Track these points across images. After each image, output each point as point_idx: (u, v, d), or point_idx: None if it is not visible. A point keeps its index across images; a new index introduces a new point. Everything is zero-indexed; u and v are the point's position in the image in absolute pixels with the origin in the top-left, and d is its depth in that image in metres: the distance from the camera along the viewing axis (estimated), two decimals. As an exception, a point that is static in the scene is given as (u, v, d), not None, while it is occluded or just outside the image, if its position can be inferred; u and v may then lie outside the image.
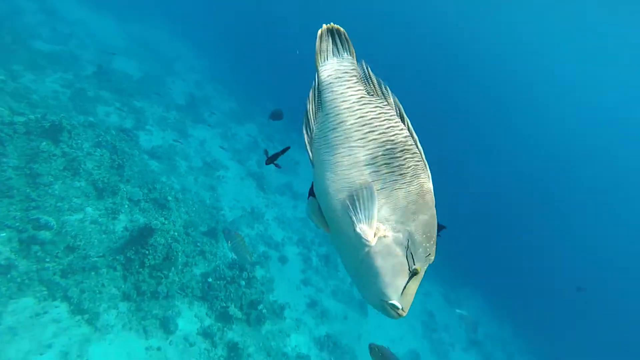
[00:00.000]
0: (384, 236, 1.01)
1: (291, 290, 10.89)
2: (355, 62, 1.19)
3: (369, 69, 1.18)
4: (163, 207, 8.83)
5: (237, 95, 23.99)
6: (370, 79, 1.17)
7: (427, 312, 15.62)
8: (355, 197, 1.01)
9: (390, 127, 1.09)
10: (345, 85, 1.14)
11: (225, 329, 7.58)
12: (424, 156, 1.10)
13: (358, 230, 0.99)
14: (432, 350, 13.32)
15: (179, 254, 7.72)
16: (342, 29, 1.17)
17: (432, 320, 15.07)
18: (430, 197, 1.07)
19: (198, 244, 9.08)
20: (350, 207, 1.01)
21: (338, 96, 1.13)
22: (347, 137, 1.08)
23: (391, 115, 1.12)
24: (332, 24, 1.18)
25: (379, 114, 1.11)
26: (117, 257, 6.60)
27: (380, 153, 1.05)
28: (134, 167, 9.54)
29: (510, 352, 17.76)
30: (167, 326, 6.78)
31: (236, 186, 14.50)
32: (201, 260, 8.76)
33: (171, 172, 11.66)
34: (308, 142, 1.17)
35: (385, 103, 1.14)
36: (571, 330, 23.16)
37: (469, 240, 24.88)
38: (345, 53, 1.19)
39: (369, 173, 1.05)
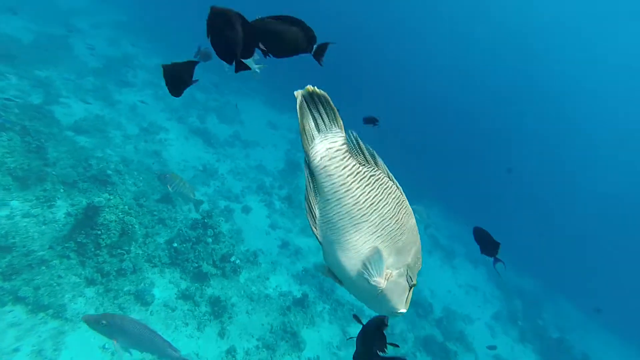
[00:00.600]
0: (391, 276, 1.25)
1: (261, 237, 11.04)
2: (343, 133, 1.15)
3: (359, 139, 1.19)
4: (105, 183, 8.16)
5: (162, 49, 21.55)
6: (361, 150, 1.20)
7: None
8: (367, 263, 1.18)
9: (385, 191, 1.19)
10: (340, 166, 1.13)
11: (203, 287, 7.64)
12: (406, 199, 1.25)
13: (373, 283, 1.20)
14: (401, 260, 14.56)
15: (136, 226, 7.35)
16: (322, 93, 1.08)
17: (398, 234, 16.31)
18: (416, 230, 1.30)
19: (155, 212, 8.68)
20: (365, 272, 1.19)
21: (335, 180, 1.14)
22: (351, 218, 1.16)
23: (383, 180, 1.19)
24: (308, 87, 1.08)
25: (374, 183, 1.17)
26: (67, 245, 6.14)
27: (381, 220, 1.17)
28: (59, 147, 8.53)
29: (469, 245, 19.95)
30: (143, 299, 6.68)
31: (182, 146, 13.67)
32: (162, 228, 8.46)
33: (106, 145, 10.62)
34: (313, 227, 1.24)
35: (376, 169, 1.20)
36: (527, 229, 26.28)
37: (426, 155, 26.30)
38: (333, 126, 1.13)
39: (375, 239, 1.18)
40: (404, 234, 1.23)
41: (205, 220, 8.34)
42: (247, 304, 8.06)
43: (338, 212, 1.17)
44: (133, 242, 7.15)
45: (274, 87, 25.40)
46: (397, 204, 1.21)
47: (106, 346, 5.71)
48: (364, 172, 1.17)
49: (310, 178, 1.21)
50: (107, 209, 6.51)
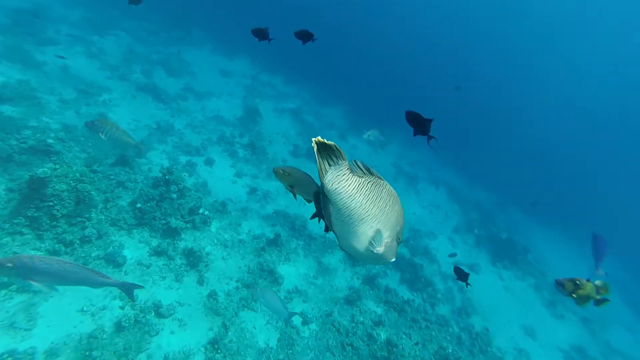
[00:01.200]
0: (388, 243, 1.80)
1: (227, 186, 11.09)
2: (346, 162, 1.63)
3: (357, 161, 1.70)
4: (48, 153, 7.68)
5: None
6: (359, 166, 1.67)
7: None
8: (372, 241, 1.74)
9: (379, 188, 1.69)
10: (345, 183, 1.60)
11: (175, 241, 7.77)
12: (392, 188, 1.80)
13: (376, 252, 1.77)
14: (368, 190, 15.22)
15: (93, 193, 7.15)
16: (330, 143, 1.56)
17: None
18: (400, 206, 1.83)
19: (112, 177, 8.42)
20: (370, 247, 1.75)
21: (343, 195, 1.61)
22: (358, 216, 1.66)
23: (377, 181, 1.69)
24: (318, 138, 1.53)
25: (371, 186, 1.66)
26: (17, 222, 5.94)
27: (379, 210, 1.68)
28: (-20, 122, 7.80)
29: (430, 169, 21.02)
30: (114, 261, 6.74)
31: (130, 106, 12.81)
32: (122, 191, 8.27)
33: (39, 113, 9.77)
34: (331, 227, 1.79)
35: (371, 175, 1.68)
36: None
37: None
38: (339, 159, 1.58)
39: (376, 224, 1.70)
40: (394, 213, 1.76)
41: (167, 177, 8.20)
42: (221, 250, 8.35)
43: (348, 215, 1.67)
44: (92, 209, 7.01)
45: (219, 35, 23.61)
46: (388, 194, 1.72)
47: (84, 309, 5.87)
48: (363, 181, 1.64)
49: (323, 198, 1.72)
50: (55, 179, 6.23)
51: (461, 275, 5.64)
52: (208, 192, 10.16)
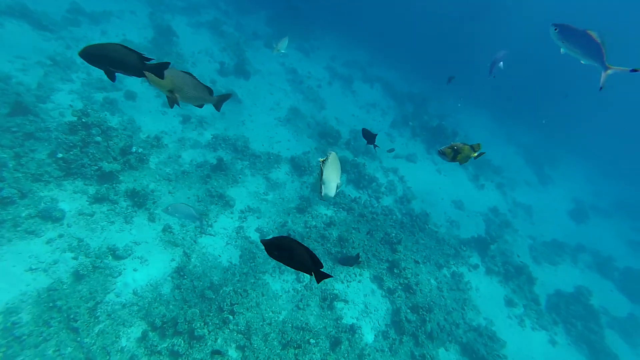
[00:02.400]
0: (337, 187, 3.76)
1: (158, 118, 10.38)
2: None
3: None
4: None
5: None
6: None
7: (290, 70, 16.59)
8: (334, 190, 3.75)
9: (335, 160, 3.81)
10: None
11: (114, 185, 7.49)
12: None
13: (331, 194, 3.72)
14: (306, 99, 15.08)
15: (-1, 150, 6.42)
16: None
17: (297, 75, 16.29)
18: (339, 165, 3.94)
19: (13, 129, 7.45)
20: (330, 192, 3.72)
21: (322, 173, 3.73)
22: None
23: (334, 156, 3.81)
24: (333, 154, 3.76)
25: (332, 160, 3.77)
26: None
27: (337, 172, 3.78)
28: None
29: (364, 68, 20.89)
30: (51, 216, 6.46)
31: (2, 38, 10.59)
32: (35, 143, 7.46)
33: None
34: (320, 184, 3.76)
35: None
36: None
37: None
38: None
39: (335, 178, 3.73)
40: (339, 170, 3.73)
41: (84, 120, 7.45)
42: (166, 185, 8.25)
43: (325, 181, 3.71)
44: (2, 168, 6.37)
45: None
46: (338, 164, 3.77)
47: (32, 267, 5.80)
48: (332, 159, 3.74)
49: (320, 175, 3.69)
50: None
51: (369, 137, 6.19)
52: (138, 129, 9.50)
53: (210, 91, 3.36)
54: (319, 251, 8.45)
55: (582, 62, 3.77)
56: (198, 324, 6.02)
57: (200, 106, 3.43)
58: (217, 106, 3.64)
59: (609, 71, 3.57)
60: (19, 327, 5.16)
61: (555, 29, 3.77)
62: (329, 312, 7.44)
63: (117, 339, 5.76)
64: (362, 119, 15.90)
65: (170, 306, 6.32)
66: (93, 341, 5.58)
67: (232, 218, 8.50)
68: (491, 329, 9.23)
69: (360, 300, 8.08)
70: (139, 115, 10.16)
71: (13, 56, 10.02)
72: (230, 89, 12.90)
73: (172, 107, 3.18)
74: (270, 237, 8.51)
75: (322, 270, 2.47)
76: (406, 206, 12.16)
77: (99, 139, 7.50)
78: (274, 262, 7.91)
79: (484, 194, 15.41)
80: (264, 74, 15.09)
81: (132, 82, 11.33)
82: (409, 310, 8.06)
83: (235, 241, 8.00)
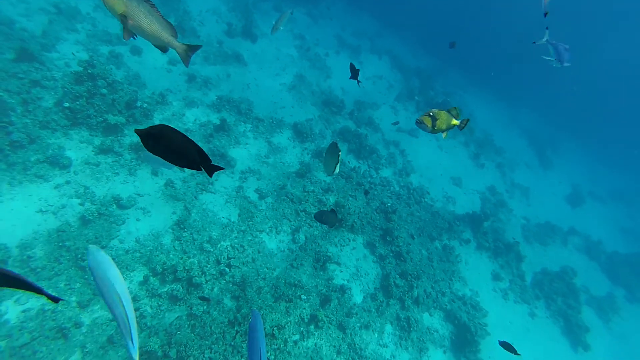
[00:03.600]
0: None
1: (163, 76, 10.37)
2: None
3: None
4: None
5: None
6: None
7: (298, 36, 16.27)
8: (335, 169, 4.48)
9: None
10: None
11: (118, 137, 7.65)
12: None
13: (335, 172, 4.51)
14: (312, 67, 14.90)
15: (3, 94, 6.54)
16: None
17: (304, 41, 15.99)
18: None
19: (20, 75, 7.53)
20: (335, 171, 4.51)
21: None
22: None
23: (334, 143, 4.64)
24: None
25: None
26: None
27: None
28: None
29: (373, 39, 20.43)
30: (59, 163, 6.68)
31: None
32: (41, 90, 7.56)
33: None
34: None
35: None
36: None
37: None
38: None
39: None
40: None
41: (90, 71, 7.51)
42: (169, 142, 8.40)
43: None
44: (10, 112, 6.52)
45: None
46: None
47: (43, 209, 6.08)
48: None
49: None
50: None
51: (353, 72, 6.26)
52: (143, 85, 9.53)
53: (173, 32, 2.97)
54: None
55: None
56: (196, 272, 6.38)
57: (163, 50, 3.01)
58: (184, 57, 3.11)
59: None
60: (33, 261, 5.51)
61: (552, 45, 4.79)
62: (321, 273, 7.81)
63: (120, 282, 6.12)
64: (367, 90, 15.76)
65: (171, 255, 6.65)
66: (98, 281, 5.94)
67: (232, 178, 8.71)
68: (475, 299, 9.67)
69: (352, 264, 8.44)
70: (144, 71, 10.16)
71: (23, 9, 9.90)
72: (237, 51, 12.74)
73: (126, 38, 2.80)
74: (269, 197, 8.77)
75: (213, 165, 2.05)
76: (404, 179, 12.34)
77: (104, 91, 7.58)
78: (271, 222, 8.21)
79: (483, 173, 15.55)
80: (271, 38, 14.82)
81: (138, 38, 11.21)
82: (397, 276, 8.44)
83: (235, 200, 8.25)
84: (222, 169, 2.20)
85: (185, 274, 6.32)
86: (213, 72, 11.56)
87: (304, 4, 18.57)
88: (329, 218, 5.70)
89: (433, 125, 3.71)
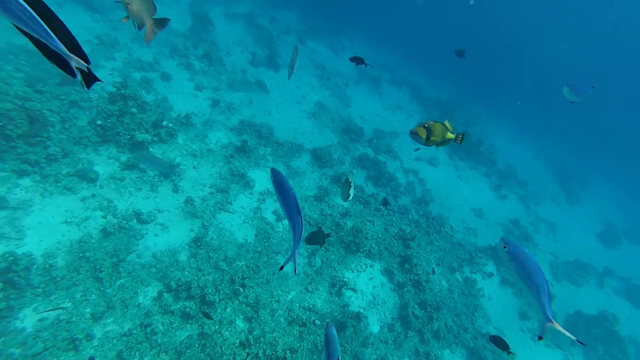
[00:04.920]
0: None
1: (189, 100, 10.85)
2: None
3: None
4: (-17, 74, 7.15)
5: None
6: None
7: (319, 66, 16.87)
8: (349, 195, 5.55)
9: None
10: None
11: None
12: None
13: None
14: (332, 95, 15.28)
15: (46, 113, 6.96)
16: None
17: (325, 71, 16.53)
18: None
19: (62, 96, 8.02)
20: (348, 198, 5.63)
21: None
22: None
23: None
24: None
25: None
26: (-25, 142, 5.85)
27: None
28: None
29: (393, 70, 20.93)
30: (87, 177, 6.93)
31: (62, 19, 11.45)
32: (77, 110, 8.01)
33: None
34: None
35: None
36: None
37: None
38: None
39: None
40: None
41: (122, 92, 7.94)
42: (191, 160, 8.63)
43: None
44: (50, 128, 6.90)
45: None
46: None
47: (68, 220, 6.25)
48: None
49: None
50: None
51: (355, 60, 6.75)
52: (170, 108, 9.98)
53: (154, 13, 3.64)
54: (332, 238, 8.58)
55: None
56: (210, 290, 6.28)
57: (139, 27, 3.57)
58: (148, 31, 3.65)
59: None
60: (54, 270, 5.60)
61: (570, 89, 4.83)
62: (336, 298, 7.55)
63: (135, 295, 6.10)
64: (386, 119, 15.93)
65: (186, 272, 6.62)
66: (114, 292, 5.94)
67: (251, 198, 8.77)
68: (500, 337, 9.03)
69: (369, 291, 8.14)
70: (171, 95, 10.67)
71: (67, 36, 10.74)
72: (260, 79, 13.27)
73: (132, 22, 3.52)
74: (286, 220, 8.73)
75: None
76: (423, 208, 12.08)
77: (134, 110, 7.96)
78: (287, 244, 8.11)
79: (505, 205, 15.07)
80: (299, 56, 15.42)
81: (168, 65, 11.92)
82: (416, 306, 8.05)
83: (252, 220, 8.25)
84: (98, 79, 1.91)
85: (199, 291, 6.24)
86: (236, 98, 12.01)
87: (324, 37, 19.41)
88: (318, 237, 5.67)
89: (428, 137, 3.53)
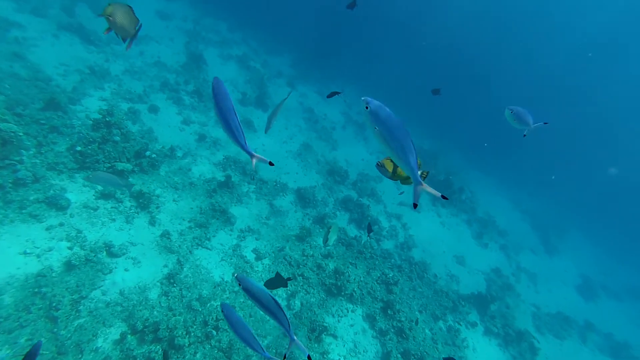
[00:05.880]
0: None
1: (175, 133, 10.78)
2: None
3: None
4: (-38, 93, 6.94)
5: None
6: None
7: (307, 109, 17.32)
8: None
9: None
10: None
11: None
12: None
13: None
14: (319, 138, 15.55)
15: (22, 136, 6.71)
16: None
17: (313, 114, 16.96)
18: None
19: (42, 121, 7.81)
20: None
21: None
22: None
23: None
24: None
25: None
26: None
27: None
28: None
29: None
30: (57, 204, 6.55)
31: (53, 46, 11.54)
32: (57, 136, 7.77)
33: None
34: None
35: None
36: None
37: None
38: None
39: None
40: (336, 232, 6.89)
41: (107, 119, 7.82)
42: (172, 193, 8.36)
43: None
44: (23, 152, 6.61)
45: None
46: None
47: (27, 251, 5.77)
48: None
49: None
50: (-24, 117, 5.74)
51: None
52: (154, 139, 9.85)
53: (137, 25, 3.88)
54: (313, 280, 8.23)
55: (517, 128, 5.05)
56: (180, 332, 5.77)
57: (123, 40, 3.80)
58: (124, 36, 3.86)
59: (533, 127, 4.97)
60: (-2, 307, 5.03)
61: (511, 112, 4.91)
62: (316, 345, 7.07)
63: (94, 338, 5.52)
64: (371, 163, 16.19)
65: (155, 311, 6.10)
66: (69, 335, 5.35)
67: (231, 235, 8.45)
68: (486, 393, 8.57)
69: (350, 337, 7.68)
70: (158, 127, 10.60)
71: (59, 63, 10.80)
72: (248, 118, 13.44)
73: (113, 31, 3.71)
74: (266, 259, 8.37)
75: None
76: (406, 253, 11.93)
77: (117, 138, 7.79)
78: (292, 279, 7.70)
79: (487, 254, 15.08)
80: (281, 109, 15.76)
81: (158, 98, 11.98)
82: (399, 355, 7.61)
83: (231, 258, 7.88)
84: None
85: (167, 333, 5.71)
86: (223, 134, 12.02)
87: (314, 83, 20.19)
88: (277, 283, 5.39)
89: (394, 172, 3.44)
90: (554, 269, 18.44)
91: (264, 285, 5.30)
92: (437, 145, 22.41)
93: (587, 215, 29.44)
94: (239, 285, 3.11)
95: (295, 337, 3.12)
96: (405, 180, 3.49)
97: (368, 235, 6.83)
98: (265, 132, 5.96)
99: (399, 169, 3.36)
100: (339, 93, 6.84)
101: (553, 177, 26.60)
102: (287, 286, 5.45)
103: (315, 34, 27.45)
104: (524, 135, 5.20)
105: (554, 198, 27.77)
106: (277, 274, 5.35)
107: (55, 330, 5.29)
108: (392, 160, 3.33)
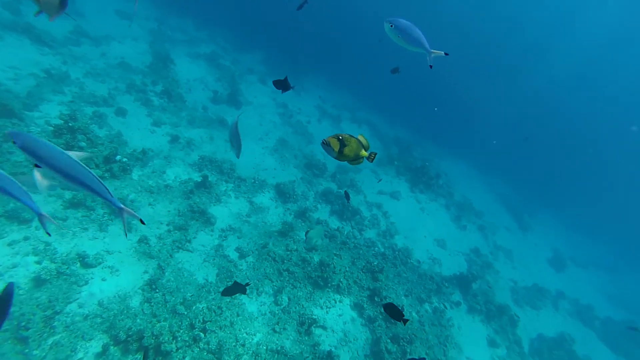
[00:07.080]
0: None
1: (146, 136, 10.38)
2: None
3: None
4: None
5: None
6: None
7: (281, 104, 17.15)
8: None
9: None
10: None
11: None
12: None
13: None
14: (295, 132, 15.44)
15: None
16: None
17: (287, 109, 16.81)
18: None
19: (-3, 130, 7.32)
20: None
21: None
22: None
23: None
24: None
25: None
26: None
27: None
28: None
29: (353, 110, 21.83)
30: (19, 217, 6.16)
31: (1, 50, 10.79)
32: (13, 146, 7.29)
33: None
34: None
35: None
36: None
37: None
38: None
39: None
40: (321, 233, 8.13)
41: (70, 124, 7.41)
42: (147, 197, 8.05)
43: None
44: (-19, 163, 6.16)
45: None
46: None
47: (-4, 263, 5.40)
48: None
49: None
50: None
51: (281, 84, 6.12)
52: (124, 143, 9.43)
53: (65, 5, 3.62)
54: (298, 274, 8.19)
55: (409, 49, 4.23)
56: (166, 338, 5.59)
57: (52, 18, 3.59)
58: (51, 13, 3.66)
59: (432, 54, 4.22)
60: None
61: (391, 25, 4.05)
62: (306, 338, 7.05)
63: (73, 353, 5.25)
64: (348, 155, 16.25)
65: (138, 320, 5.88)
66: (44, 354, 5.07)
67: (211, 236, 8.25)
68: (474, 368, 8.86)
69: (340, 327, 7.72)
70: (127, 130, 10.17)
71: (7, 66, 10.11)
72: (221, 116, 13.15)
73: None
74: (250, 256, 8.24)
75: None
76: (389, 240, 12.10)
77: (83, 144, 7.41)
78: (251, 283, 7.60)
79: (466, 235, 15.53)
80: (255, 106, 15.53)
81: (124, 100, 11.48)
82: (389, 340, 7.72)
83: (213, 259, 7.71)
84: None
85: (153, 340, 5.52)
86: (197, 134, 11.72)
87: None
88: (235, 290, 5.30)
89: (340, 151, 3.15)
90: (528, 244, 19.30)
91: (221, 294, 5.17)
92: (412, 134, 22.83)
93: (555, 196, 30.97)
94: (14, 142, 2.36)
95: (122, 205, 2.57)
96: (352, 161, 3.28)
97: (347, 202, 6.83)
98: (237, 157, 5.61)
99: (345, 149, 3.13)
100: (292, 87, 6.31)
101: (494, 142, 27.78)
102: (245, 292, 5.36)
103: (283, 29, 27.15)
104: (430, 67, 4.32)
105: (524, 182, 29.02)
106: (235, 282, 5.26)
107: (27, 351, 4.99)
108: (337, 139, 3.11)
